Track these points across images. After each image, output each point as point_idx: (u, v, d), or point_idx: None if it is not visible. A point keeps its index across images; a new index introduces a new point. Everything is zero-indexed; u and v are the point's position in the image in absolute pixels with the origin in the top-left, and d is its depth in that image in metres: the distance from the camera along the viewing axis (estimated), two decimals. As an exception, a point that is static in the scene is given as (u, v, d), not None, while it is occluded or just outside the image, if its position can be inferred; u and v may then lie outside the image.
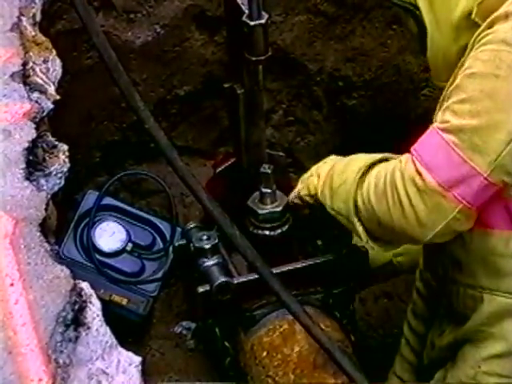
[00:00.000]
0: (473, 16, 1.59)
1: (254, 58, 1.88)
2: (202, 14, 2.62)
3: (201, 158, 2.82)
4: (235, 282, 2.02)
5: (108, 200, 2.46)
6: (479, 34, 1.58)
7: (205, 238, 2.07)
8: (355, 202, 1.75)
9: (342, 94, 2.84)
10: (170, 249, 2.41)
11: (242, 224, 2.01)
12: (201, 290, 2.02)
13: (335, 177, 1.83)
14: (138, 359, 1.42)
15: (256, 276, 1.74)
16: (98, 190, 2.47)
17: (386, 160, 1.76)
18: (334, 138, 2.88)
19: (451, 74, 1.65)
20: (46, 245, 1.55)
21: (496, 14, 1.56)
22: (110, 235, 2.40)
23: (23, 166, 1.66)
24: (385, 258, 2.15)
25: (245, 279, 2.03)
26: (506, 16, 1.54)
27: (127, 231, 2.42)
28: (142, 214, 2.50)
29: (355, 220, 1.76)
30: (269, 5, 2.08)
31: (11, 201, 1.60)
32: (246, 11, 1.84)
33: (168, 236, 2.45)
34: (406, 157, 1.65)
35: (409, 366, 2.01)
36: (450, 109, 1.57)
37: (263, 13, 1.84)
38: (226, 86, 2.09)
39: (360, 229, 1.76)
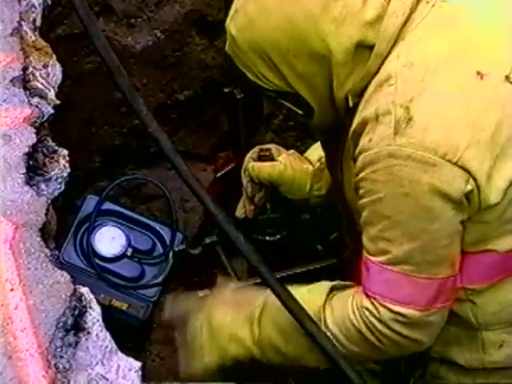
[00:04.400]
0: (351, 105, 1.53)
1: (254, 63, 1.88)
2: (203, 18, 2.62)
3: (201, 162, 2.82)
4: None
5: (108, 205, 2.46)
6: (357, 132, 1.51)
7: None
8: None
9: (342, 98, 2.84)
10: (170, 254, 2.41)
11: (242, 229, 2.01)
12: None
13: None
14: (137, 364, 1.42)
15: (257, 280, 1.74)
16: (98, 195, 2.47)
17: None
18: (334, 143, 2.87)
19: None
20: (46, 250, 1.55)
21: (365, 112, 1.48)
22: (110, 240, 2.40)
23: (23, 170, 1.66)
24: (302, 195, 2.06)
25: (246, 284, 2.03)
26: (376, 118, 1.46)
27: (127, 236, 2.42)
28: (142, 218, 2.50)
29: None
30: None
31: (11, 206, 1.60)
32: (247, 16, 1.84)
33: (168, 241, 2.44)
34: (369, 303, 1.57)
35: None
36: (380, 237, 1.52)
37: (263, 17, 1.84)
38: (226, 90, 2.09)
39: None
